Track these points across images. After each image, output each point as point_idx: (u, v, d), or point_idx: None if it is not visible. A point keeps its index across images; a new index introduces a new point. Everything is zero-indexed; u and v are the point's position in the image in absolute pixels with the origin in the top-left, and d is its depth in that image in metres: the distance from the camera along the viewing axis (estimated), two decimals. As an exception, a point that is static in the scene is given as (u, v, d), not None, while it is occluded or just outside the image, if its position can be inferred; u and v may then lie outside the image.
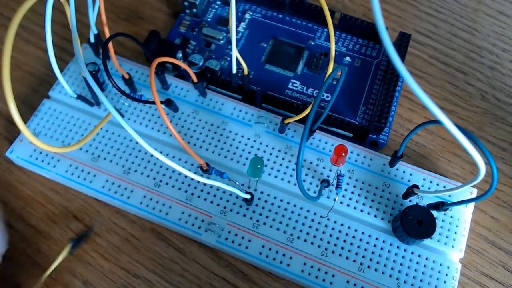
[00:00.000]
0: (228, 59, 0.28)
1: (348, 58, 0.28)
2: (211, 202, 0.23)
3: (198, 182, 0.23)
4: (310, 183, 0.23)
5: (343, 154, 0.21)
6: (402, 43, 0.27)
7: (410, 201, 0.23)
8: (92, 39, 0.25)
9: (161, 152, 0.24)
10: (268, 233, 0.22)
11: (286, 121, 0.23)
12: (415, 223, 0.21)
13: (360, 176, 0.23)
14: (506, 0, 0.31)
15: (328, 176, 0.23)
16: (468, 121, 0.27)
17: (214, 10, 0.30)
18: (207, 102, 0.25)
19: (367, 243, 0.22)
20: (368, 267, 0.21)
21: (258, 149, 0.24)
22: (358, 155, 0.24)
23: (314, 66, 0.27)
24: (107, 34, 0.23)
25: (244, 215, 0.22)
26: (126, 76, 0.24)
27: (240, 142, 0.24)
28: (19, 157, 0.24)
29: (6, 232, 0.21)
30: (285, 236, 0.22)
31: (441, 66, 0.29)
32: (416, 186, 0.22)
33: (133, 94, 0.23)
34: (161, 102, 0.23)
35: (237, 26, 0.29)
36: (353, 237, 0.22)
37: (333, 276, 0.21)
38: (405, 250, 0.22)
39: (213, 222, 0.22)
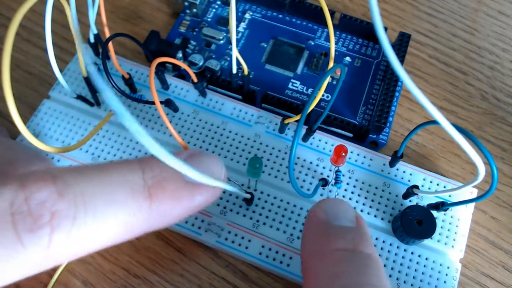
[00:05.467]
0: (228, 59, 0.28)
1: (348, 58, 0.28)
2: (211, 202, 0.23)
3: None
4: (310, 183, 0.23)
5: (343, 154, 0.21)
6: (402, 43, 0.27)
7: (410, 201, 0.23)
8: (92, 39, 0.25)
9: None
10: (268, 233, 0.22)
11: (286, 121, 0.23)
12: (415, 223, 0.21)
13: (360, 176, 0.23)
14: (506, 0, 0.31)
15: (328, 176, 0.23)
16: (468, 121, 0.27)
17: (214, 10, 0.30)
18: (207, 102, 0.25)
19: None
20: (368, 267, 0.21)
21: (258, 149, 0.24)
22: (358, 155, 0.24)
23: (314, 66, 0.27)
24: (107, 34, 0.23)
25: (244, 215, 0.22)
26: (126, 76, 0.24)
27: (240, 142, 0.24)
28: (19, 157, 0.24)
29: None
30: (285, 236, 0.22)
31: (441, 66, 0.29)
32: (416, 186, 0.22)
33: (133, 94, 0.23)
34: (161, 102, 0.23)
35: (237, 26, 0.29)
36: (353, 237, 0.22)
37: (333, 276, 0.21)
38: (405, 250, 0.22)
39: (213, 222, 0.22)
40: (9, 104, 0.15)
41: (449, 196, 0.23)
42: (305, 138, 0.24)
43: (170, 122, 0.24)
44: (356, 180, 0.23)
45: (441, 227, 0.22)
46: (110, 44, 0.22)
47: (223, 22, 0.29)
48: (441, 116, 0.13)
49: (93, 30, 0.24)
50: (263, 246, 0.22)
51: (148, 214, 0.16)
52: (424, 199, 0.23)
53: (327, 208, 0.18)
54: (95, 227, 0.15)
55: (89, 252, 0.16)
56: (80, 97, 0.24)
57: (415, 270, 0.21)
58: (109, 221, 0.15)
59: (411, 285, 0.21)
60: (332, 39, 0.21)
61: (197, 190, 0.17)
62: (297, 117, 0.22)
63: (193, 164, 0.16)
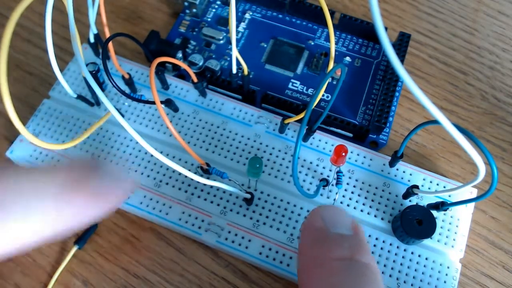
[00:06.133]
0: (228, 59, 0.28)
1: (348, 58, 0.28)
2: (211, 202, 0.23)
3: (198, 182, 0.23)
4: (310, 183, 0.23)
5: (343, 154, 0.21)
6: (402, 43, 0.27)
7: (410, 201, 0.23)
8: (92, 39, 0.25)
9: (161, 152, 0.24)
10: (268, 233, 0.22)
11: (286, 121, 0.23)
12: (415, 223, 0.21)
13: (360, 176, 0.23)
14: (506, 0, 0.31)
15: (328, 176, 0.23)
16: (468, 121, 0.27)
17: (214, 10, 0.30)
18: (207, 102, 0.25)
19: (367, 243, 0.22)
20: (368, 267, 0.21)
21: (258, 149, 0.24)
22: (358, 155, 0.24)
23: (314, 66, 0.27)
24: (107, 34, 0.23)
25: (244, 215, 0.22)
26: (126, 76, 0.24)
27: (240, 142, 0.24)
28: (19, 157, 0.24)
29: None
30: (285, 236, 0.22)
31: (441, 66, 0.29)
32: (416, 186, 0.22)
33: (133, 94, 0.23)
34: (161, 102, 0.23)
35: (237, 26, 0.29)
36: (353, 237, 0.22)
37: (333, 276, 0.21)
38: (405, 250, 0.22)
39: (213, 222, 0.22)
40: (6, 104, 0.15)
41: (449, 196, 0.23)
42: (305, 138, 0.24)
43: (170, 122, 0.24)
44: (356, 180, 0.23)
45: (441, 227, 0.22)
46: (110, 44, 0.22)
47: (223, 22, 0.29)
48: (442, 116, 0.13)
49: (93, 30, 0.24)
50: (263, 246, 0.22)
51: (69, 210, 0.17)
52: (424, 199, 0.23)
53: (324, 215, 0.18)
54: (17, 224, 0.15)
55: (19, 248, 0.16)
56: (80, 97, 0.24)
57: (415, 270, 0.21)
58: (32, 216, 0.16)
59: (411, 285, 0.21)
60: (332, 39, 0.21)
61: (111, 192, 0.18)
62: (297, 117, 0.22)
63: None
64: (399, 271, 0.21)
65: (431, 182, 0.23)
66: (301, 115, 0.22)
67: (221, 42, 0.28)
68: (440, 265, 0.22)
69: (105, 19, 0.22)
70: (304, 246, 0.18)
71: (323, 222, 0.18)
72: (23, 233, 0.16)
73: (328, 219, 0.18)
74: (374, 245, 0.22)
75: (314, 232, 0.18)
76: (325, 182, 0.23)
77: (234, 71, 0.24)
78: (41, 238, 0.17)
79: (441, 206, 0.21)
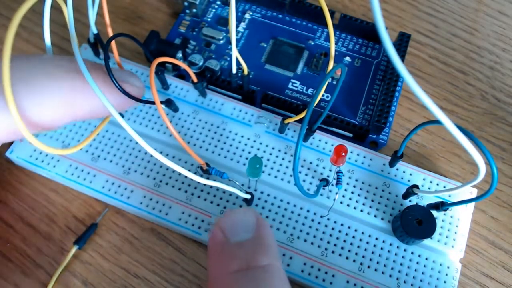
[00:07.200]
0: (228, 59, 0.28)
1: (348, 58, 0.28)
2: (211, 202, 0.23)
3: (198, 182, 0.23)
4: (310, 183, 0.23)
5: (343, 154, 0.21)
6: (402, 43, 0.27)
7: (410, 201, 0.23)
8: (92, 39, 0.25)
9: (161, 152, 0.24)
10: (268, 233, 0.22)
11: (286, 121, 0.23)
12: (415, 223, 0.21)
13: (360, 176, 0.23)
14: (506, 0, 0.31)
15: (328, 176, 0.23)
16: (468, 121, 0.27)
17: (214, 10, 0.30)
18: (207, 102, 0.25)
19: (367, 243, 0.22)
20: (368, 267, 0.21)
21: (258, 149, 0.24)
22: (358, 155, 0.24)
23: (314, 66, 0.27)
24: (110, 35, 0.23)
25: (244, 215, 0.22)
26: (126, 76, 0.24)
27: (240, 142, 0.24)
28: (19, 157, 0.24)
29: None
30: (285, 236, 0.22)
31: (441, 66, 0.29)
32: (416, 186, 0.22)
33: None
34: (161, 102, 0.23)
35: (237, 26, 0.29)
36: (353, 237, 0.22)
37: (333, 276, 0.21)
38: (405, 250, 0.22)
39: (213, 222, 0.22)
40: (10, 106, 0.15)
41: (449, 196, 0.23)
42: (305, 138, 0.24)
43: (170, 122, 0.24)
44: (356, 180, 0.23)
45: (441, 227, 0.22)
46: (114, 44, 0.22)
47: (223, 22, 0.29)
48: (443, 116, 0.13)
49: (93, 30, 0.24)
50: (263, 246, 0.22)
51: (83, 90, 0.17)
52: (424, 199, 0.23)
53: (225, 225, 0.17)
54: (39, 99, 0.16)
55: (48, 126, 0.17)
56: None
57: (415, 270, 0.21)
58: (51, 92, 0.17)
59: (411, 285, 0.21)
60: (332, 39, 0.21)
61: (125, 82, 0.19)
62: (297, 117, 0.22)
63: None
64: (399, 271, 0.21)
65: (431, 182, 0.23)
66: (301, 115, 0.22)
67: (221, 42, 0.28)
68: (440, 265, 0.22)
69: (108, 20, 0.22)
70: (208, 264, 0.17)
71: (223, 234, 0.17)
72: (48, 105, 0.17)
73: (229, 228, 0.17)
74: (374, 245, 0.22)
75: (214, 247, 0.17)
76: (325, 182, 0.23)
77: (234, 71, 0.24)
78: (66, 113, 0.17)
79: (441, 206, 0.21)
